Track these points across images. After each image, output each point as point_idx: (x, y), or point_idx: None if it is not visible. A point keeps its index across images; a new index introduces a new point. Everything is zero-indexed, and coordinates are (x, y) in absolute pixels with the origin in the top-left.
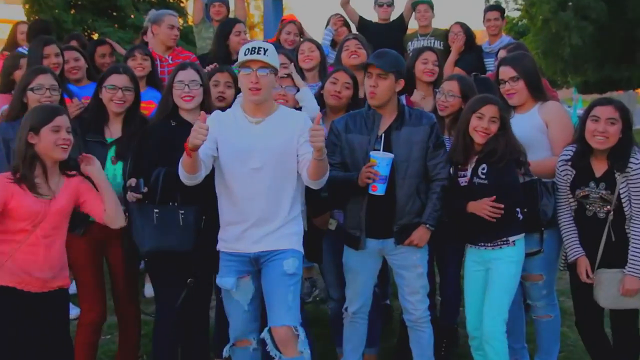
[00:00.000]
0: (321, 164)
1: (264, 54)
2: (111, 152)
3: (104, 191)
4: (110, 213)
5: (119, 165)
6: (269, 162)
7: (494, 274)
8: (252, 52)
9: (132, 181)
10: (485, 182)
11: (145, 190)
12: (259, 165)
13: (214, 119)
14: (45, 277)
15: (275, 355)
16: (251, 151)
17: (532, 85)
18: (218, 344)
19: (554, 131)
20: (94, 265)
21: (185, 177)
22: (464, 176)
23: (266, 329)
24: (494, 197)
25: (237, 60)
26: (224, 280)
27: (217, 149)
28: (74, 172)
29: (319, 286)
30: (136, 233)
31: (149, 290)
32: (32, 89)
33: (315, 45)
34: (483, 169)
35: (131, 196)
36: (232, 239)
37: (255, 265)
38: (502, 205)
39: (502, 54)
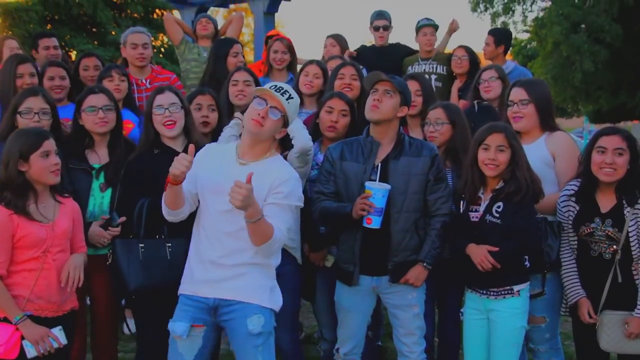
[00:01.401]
0: (254, 228)
1: (287, 99)
2: (100, 179)
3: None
4: None
5: (108, 192)
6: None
7: (498, 327)
8: (278, 91)
9: (103, 218)
10: (499, 221)
11: (120, 220)
12: (228, 208)
13: (204, 153)
14: (59, 301)
15: None
16: (224, 192)
17: (542, 112)
18: None
19: (561, 165)
20: (79, 299)
21: (167, 212)
22: (476, 211)
23: None
24: (497, 248)
25: None
26: (176, 324)
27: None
28: (66, 195)
29: (303, 329)
30: (122, 270)
31: (131, 326)
32: (20, 113)
33: (322, 71)
34: (499, 207)
35: (104, 234)
36: (194, 280)
37: (214, 317)
38: (499, 266)
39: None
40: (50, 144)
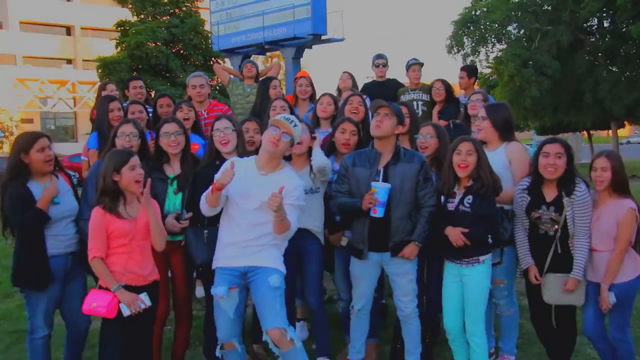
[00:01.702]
0: (280, 223)
1: (294, 126)
2: (173, 186)
3: (150, 216)
4: (153, 235)
5: (179, 195)
6: (262, 205)
7: (469, 287)
8: (287, 120)
9: (175, 214)
10: (469, 210)
11: (187, 216)
12: (256, 207)
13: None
14: (144, 274)
15: (275, 352)
16: (252, 195)
17: (498, 127)
18: (208, 347)
19: (515, 167)
20: (161, 270)
21: (207, 210)
22: (452, 203)
23: (264, 332)
24: (467, 229)
25: None
26: (217, 289)
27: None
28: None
29: (327, 293)
30: (191, 249)
31: (199, 292)
32: (117, 136)
33: (333, 100)
34: (469, 199)
35: (176, 224)
36: (228, 257)
37: (244, 280)
38: (469, 243)
39: (478, 98)
40: (135, 160)
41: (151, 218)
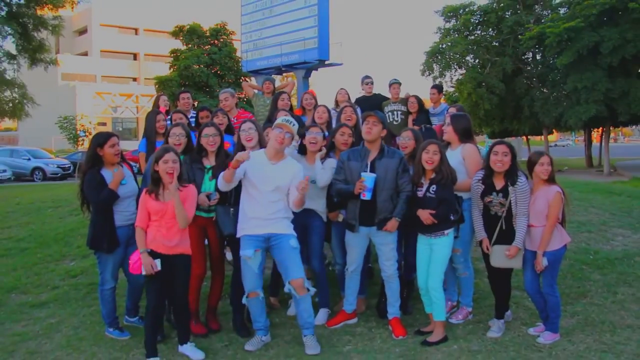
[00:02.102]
0: (301, 200)
1: (292, 126)
2: (209, 174)
3: (175, 201)
4: (177, 214)
5: (213, 181)
6: (277, 187)
7: (435, 254)
8: (287, 122)
9: (207, 193)
10: (434, 196)
11: (216, 198)
12: (272, 189)
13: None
14: (169, 245)
15: (295, 295)
16: (266, 181)
17: (458, 131)
18: (233, 298)
19: (468, 163)
20: (199, 240)
21: (222, 184)
22: (420, 191)
23: (287, 282)
24: (434, 211)
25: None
26: (245, 251)
27: (246, 174)
28: (185, 185)
29: (327, 258)
30: (220, 222)
31: (229, 256)
32: (169, 136)
33: (326, 109)
34: (433, 188)
35: (205, 201)
36: (252, 227)
37: (266, 244)
38: (437, 221)
39: (453, 110)
40: (169, 156)
41: (176, 203)
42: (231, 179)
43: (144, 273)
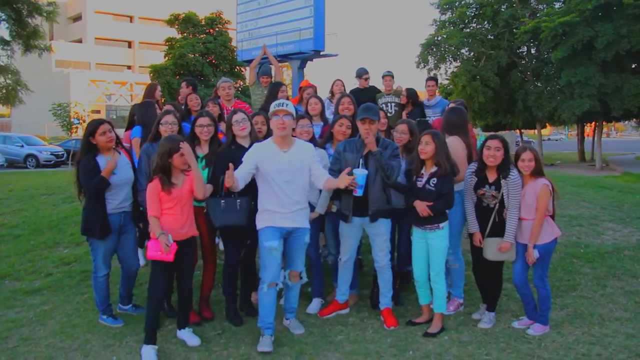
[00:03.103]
0: (332, 184)
1: (286, 106)
2: (202, 163)
3: (194, 171)
4: (196, 186)
5: (207, 170)
6: (294, 176)
7: (433, 247)
8: (279, 106)
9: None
10: (433, 189)
11: (209, 186)
12: (289, 179)
13: (255, 149)
14: (182, 231)
15: (288, 283)
16: (283, 170)
17: (445, 122)
18: (227, 287)
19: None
20: None
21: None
22: (420, 181)
23: (287, 271)
24: (432, 202)
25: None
26: (271, 242)
27: (258, 167)
28: (189, 170)
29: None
30: (211, 215)
31: (221, 246)
32: (161, 124)
33: (319, 100)
34: (434, 180)
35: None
36: (276, 219)
37: (286, 236)
38: (432, 214)
39: (453, 105)
40: (185, 147)
41: (195, 172)
42: (232, 184)
43: (165, 253)
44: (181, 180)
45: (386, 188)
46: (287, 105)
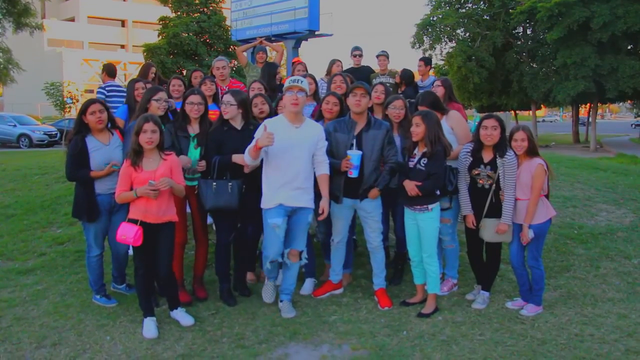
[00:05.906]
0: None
1: (301, 83)
2: (194, 142)
3: (177, 184)
4: (175, 190)
5: (199, 149)
6: (304, 152)
7: (423, 229)
8: (294, 82)
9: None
10: (423, 169)
11: (200, 163)
12: (298, 154)
13: (267, 124)
14: (159, 215)
15: (287, 262)
16: (294, 145)
17: (425, 106)
18: (220, 267)
19: (457, 131)
20: (181, 209)
21: (250, 161)
22: (412, 161)
23: (287, 249)
24: (421, 183)
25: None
26: (275, 219)
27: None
28: (169, 153)
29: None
30: (202, 196)
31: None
32: (155, 100)
33: (313, 79)
34: (424, 161)
35: (187, 164)
36: (281, 197)
37: (290, 214)
38: (421, 194)
39: (438, 83)
40: (148, 126)
41: (174, 186)
42: (257, 157)
43: (130, 241)
44: (157, 163)
45: (378, 168)
46: (301, 82)
